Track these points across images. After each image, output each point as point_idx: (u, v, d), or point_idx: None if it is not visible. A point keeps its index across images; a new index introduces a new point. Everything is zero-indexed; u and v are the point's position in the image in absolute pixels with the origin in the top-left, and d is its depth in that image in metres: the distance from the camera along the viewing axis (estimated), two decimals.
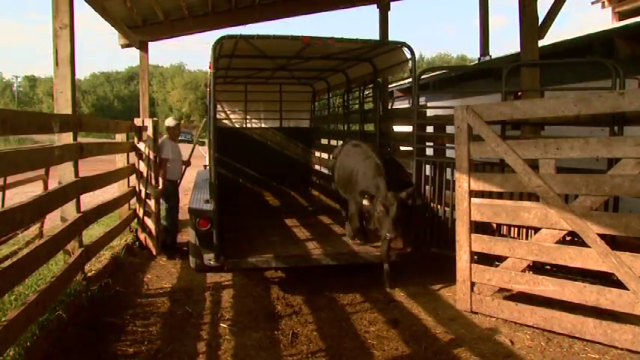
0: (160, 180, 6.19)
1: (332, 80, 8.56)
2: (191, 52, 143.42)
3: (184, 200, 7.57)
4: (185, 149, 7.58)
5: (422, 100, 5.99)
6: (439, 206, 5.18)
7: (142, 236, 6.57)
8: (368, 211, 4.84)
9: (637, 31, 6.32)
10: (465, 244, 4.37)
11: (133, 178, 6.94)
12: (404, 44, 5.40)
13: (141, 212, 6.51)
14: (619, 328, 3.56)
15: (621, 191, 3.56)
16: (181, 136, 10.24)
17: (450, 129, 5.00)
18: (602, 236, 3.61)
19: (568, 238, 4.09)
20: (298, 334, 3.96)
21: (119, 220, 6.37)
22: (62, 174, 4.43)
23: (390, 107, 7.03)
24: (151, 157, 6.11)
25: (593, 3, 11.49)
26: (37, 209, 3.33)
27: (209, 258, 4.99)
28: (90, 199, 6.86)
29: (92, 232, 6.02)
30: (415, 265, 5.43)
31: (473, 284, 4.37)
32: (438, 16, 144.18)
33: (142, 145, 6.65)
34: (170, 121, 6.72)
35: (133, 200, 6.91)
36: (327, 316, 4.35)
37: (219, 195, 5.15)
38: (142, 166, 6.62)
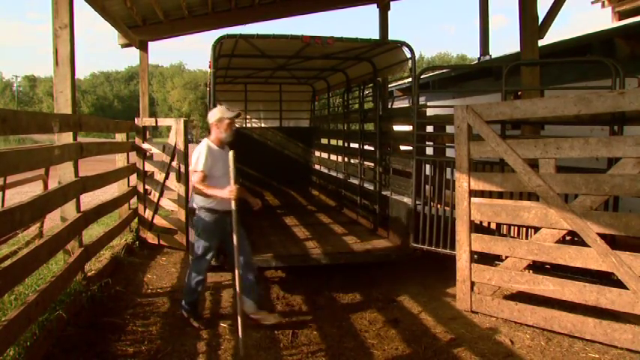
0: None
1: (332, 80, 8.56)
2: (191, 52, 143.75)
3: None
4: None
5: (422, 100, 5.97)
6: (439, 205, 5.18)
7: (148, 235, 6.59)
8: None
9: (637, 31, 6.32)
10: (464, 243, 4.37)
11: (133, 178, 6.93)
12: (404, 43, 5.40)
13: (148, 214, 6.51)
14: (619, 327, 3.55)
15: (621, 191, 3.56)
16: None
17: (449, 128, 5.00)
18: (602, 236, 3.60)
19: (568, 238, 4.10)
20: (298, 333, 3.95)
21: (119, 220, 6.37)
22: (62, 174, 4.43)
23: (389, 107, 7.02)
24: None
25: (593, 3, 11.45)
26: (37, 209, 3.33)
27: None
28: (90, 199, 6.88)
29: (92, 232, 6.03)
30: (415, 265, 5.42)
31: (473, 284, 4.37)
32: (438, 16, 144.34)
33: (147, 146, 6.63)
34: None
35: (134, 200, 6.91)
36: (327, 316, 4.35)
37: None
38: (148, 167, 6.62)
